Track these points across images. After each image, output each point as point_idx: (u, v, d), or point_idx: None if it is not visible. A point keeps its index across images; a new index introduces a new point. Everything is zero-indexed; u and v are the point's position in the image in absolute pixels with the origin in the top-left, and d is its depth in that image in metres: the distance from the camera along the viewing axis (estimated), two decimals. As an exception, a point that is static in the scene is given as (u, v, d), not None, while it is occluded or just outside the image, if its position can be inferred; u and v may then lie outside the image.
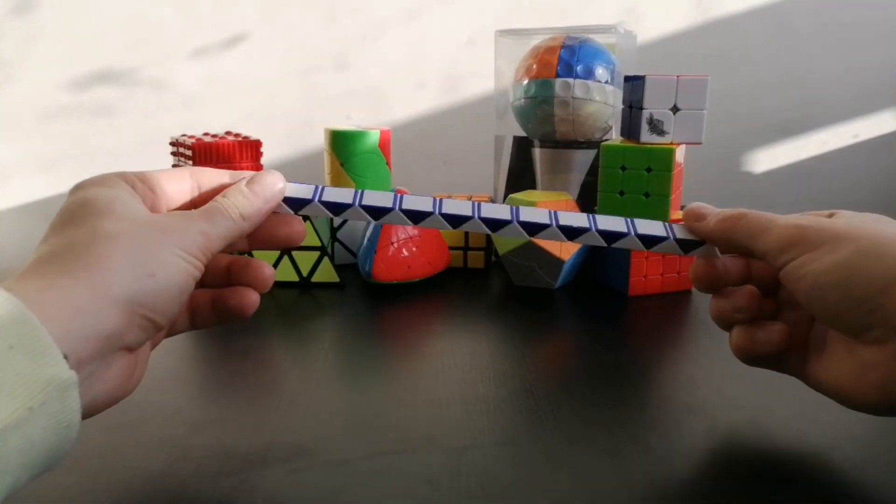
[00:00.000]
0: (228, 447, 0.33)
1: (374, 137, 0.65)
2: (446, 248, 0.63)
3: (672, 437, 0.34)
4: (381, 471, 0.31)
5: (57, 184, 1.01)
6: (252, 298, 0.33)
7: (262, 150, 0.70)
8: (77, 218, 0.27)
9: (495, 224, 0.34)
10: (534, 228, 0.34)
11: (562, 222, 0.35)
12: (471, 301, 0.58)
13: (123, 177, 0.30)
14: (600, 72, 0.64)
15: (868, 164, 1.08)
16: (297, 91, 1.01)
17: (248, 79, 1.01)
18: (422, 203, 0.34)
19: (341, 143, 0.65)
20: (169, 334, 0.33)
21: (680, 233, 0.36)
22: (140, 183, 0.30)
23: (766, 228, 0.31)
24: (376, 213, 0.33)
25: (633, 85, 0.57)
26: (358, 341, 0.49)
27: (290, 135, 1.02)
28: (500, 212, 0.34)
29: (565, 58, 0.63)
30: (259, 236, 0.33)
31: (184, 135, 0.71)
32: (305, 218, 0.34)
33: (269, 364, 0.44)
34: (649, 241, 0.35)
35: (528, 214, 0.35)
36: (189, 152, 0.66)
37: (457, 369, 0.43)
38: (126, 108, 1.00)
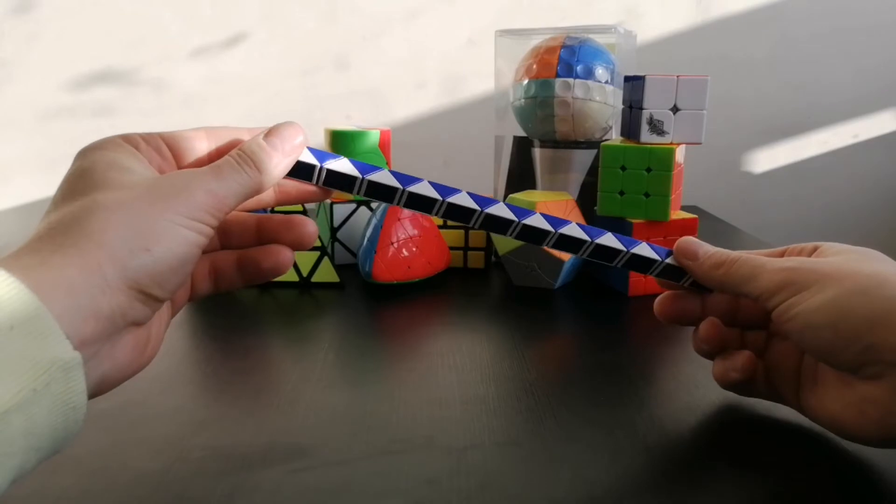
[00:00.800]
0: (228, 447, 0.33)
1: (374, 137, 0.65)
2: (446, 248, 0.63)
3: (672, 437, 0.34)
4: (381, 471, 0.31)
5: (57, 184, 1.01)
6: (287, 256, 0.31)
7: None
8: (75, 191, 0.26)
9: (499, 224, 0.34)
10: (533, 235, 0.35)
11: (562, 231, 0.35)
12: (471, 301, 0.58)
13: (127, 138, 0.28)
14: (600, 72, 0.64)
15: (868, 164, 1.08)
16: (297, 91, 1.01)
17: (248, 79, 1.01)
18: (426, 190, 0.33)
19: (341, 143, 0.65)
20: (191, 299, 0.32)
21: (671, 259, 0.37)
22: (145, 143, 0.28)
23: (756, 274, 0.32)
24: (387, 192, 0.32)
25: (633, 85, 0.57)
26: (358, 341, 0.49)
27: (290, 135, 1.02)
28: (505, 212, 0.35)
29: (565, 58, 0.63)
30: (266, 236, 0.32)
31: (184, 135, 0.71)
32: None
33: (269, 364, 0.44)
34: (644, 263, 0.37)
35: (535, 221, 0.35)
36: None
37: (457, 369, 0.43)
38: (126, 108, 1.00)
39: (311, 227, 0.32)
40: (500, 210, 0.34)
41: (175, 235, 0.25)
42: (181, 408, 0.38)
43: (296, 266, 0.60)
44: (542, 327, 0.52)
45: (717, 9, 1.02)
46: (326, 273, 0.60)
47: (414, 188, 0.32)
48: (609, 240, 0.36)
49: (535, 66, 0.65)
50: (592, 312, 0.55)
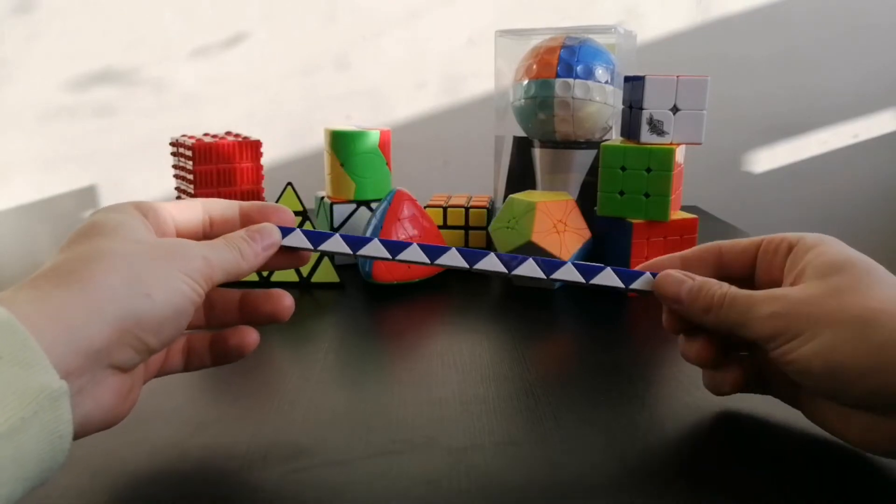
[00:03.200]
0: (228, 447, 0.33)
1: (374, 137, 0.65)
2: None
3: (672, 438, 0.34)
4: (380, 471, 0.31)
5: (57, 184, 1.01)
6: (252, 338, 0.34)
7: (262, 150, 0.70)
8: (82, 237, 0.28)
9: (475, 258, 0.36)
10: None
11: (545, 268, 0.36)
12: (471, 301, 0.58)
13: (138, 206, 0.30)
14: (600, 72, 0.64)
15: (868, 164, 1.08)
16: (298, 91, 1.01)
17: (248, 79, 1.01)
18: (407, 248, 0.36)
19: (341, 143, 0.65)
20: (159, 374, 0.33)
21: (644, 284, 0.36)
22: (153, 212, 0.31)
23: (747, 321, 0.31)
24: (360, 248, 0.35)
25: (633, 85, 0.57)
26: (358, 341, 0.49)
27: (290, 135, 1.02)
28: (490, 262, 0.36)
29: (565, 58, 0.63)
30: (247, 310, 0.34)
31: (184, 135, 0.71)
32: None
33: (269, 364, 0.44)
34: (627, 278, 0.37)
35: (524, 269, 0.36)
36: (189, 152, 0.66)
37: (457, 369, 0.43)
38: (126, 108, 1.00)
39: (286, 301, 0.34)
40: (453, 258, 0.36)
41: (175, 287, 0.27)
42: (181, 408, 0.38)
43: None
44: (542, 327, 0.52)
45: (717, 9, 1.02)
46: (326, 273, 0.60)
47: (403, 255, 0.36)
48: (569, 273, 0.36)
49: (535, 67, 0.65)
50: (592, 312, 0.55)
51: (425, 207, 0.65)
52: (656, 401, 0.39)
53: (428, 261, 0.35)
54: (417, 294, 0.58)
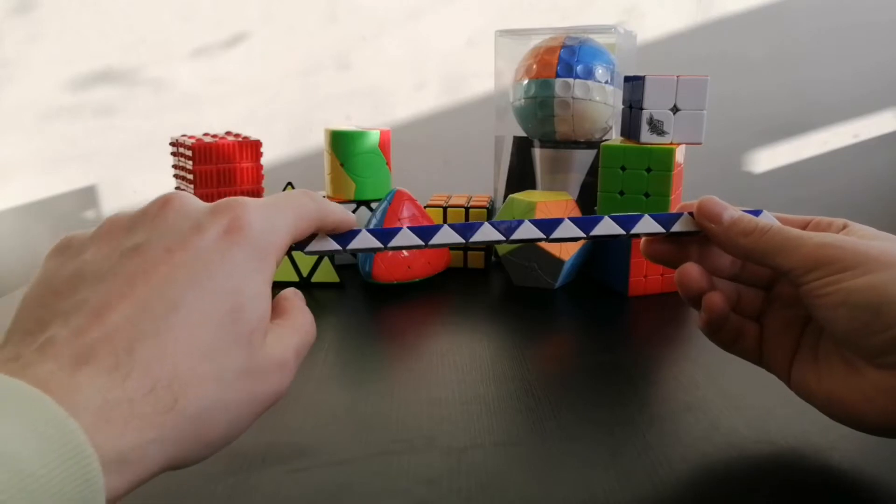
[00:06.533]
0: (228, 447, 0.33)
1: (374, 137, 0.65)
2: (446, 249, 0.63)
3: (672, 437, 0.34)
4: (381, 471, 0.31)
5: (57, 184, 1.01)
6: None
7: (262, 150, 0.70)
8: None
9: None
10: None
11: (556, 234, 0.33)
12: (471, 301, 0.58)
13: None
14: (600, 72, 0.64)
15: (868, 164, 1.08)
16: (298, 91, 1.01)
17: (248, 79, 1.01)
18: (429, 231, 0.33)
19: (341, 143, 0.65)
20: None
21: (672, 224, 0.33)
22: None
23: (792, 247, 0.30)
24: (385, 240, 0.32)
25: (633, 85, 0.57)
26: (358, 341, 0.49)
27: (291, 135, 1.02)
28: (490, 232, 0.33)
29: (565, 58, 0.63)
30: None
31: (184, 135, 0.71)
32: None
33: (269, 364, 0.44)
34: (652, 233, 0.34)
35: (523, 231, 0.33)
36: (189, 152, 0.66)
37: (457, 369, 0.43)
38: (126, 108, 1.00)
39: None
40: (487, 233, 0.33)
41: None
42: (181, 408, 0.38)
43: (296, 266, 0.60)
44: (542, 327, 0.52)
45: (717, 9, 1.02)
46: (326, 273, 0.60)
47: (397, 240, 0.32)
48: (608, 226, 0.33)
49: (534, 67, 0.65)
50: (592, 312, 0.55)
51: (425, 207, 0.65)
52: (656, 401, 0.39)
53: (421, 242, 0.32)
54: (417, 294, 0.58)
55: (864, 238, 0.31)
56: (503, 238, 0.33)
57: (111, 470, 0.19)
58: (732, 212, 0.32)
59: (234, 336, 0.23)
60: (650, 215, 0.33)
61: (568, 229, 0.33)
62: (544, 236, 0.33)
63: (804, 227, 0.34)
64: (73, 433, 0.18)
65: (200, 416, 0.22)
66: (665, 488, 0.30)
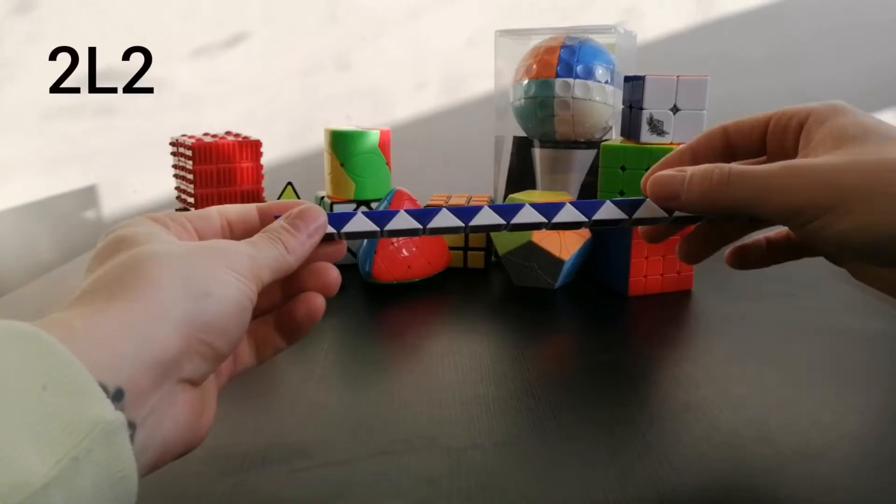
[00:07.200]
0: (228, 447, 0.33)
1: (374, 137, 0.65)
2: (446, 248, 0.63)
3: (672, 437, 0.34)
4: (381, 471, 0.31)
5: (57, 184, 1.01)
6: (319, 302, 0.31)
7: (262, 150, 0.70)
8: (116, 251, 0.24)
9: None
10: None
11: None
12: (471, 301, 0.58)
13: (154, 218, 0.28)
14: (600, 72, 0.64)
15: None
16: (298, 91, 1.01)
17: (248, 79, 1.01)
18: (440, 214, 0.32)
19: (341, 143, 0.65)
20: (231, 378, 0.30)
21: (638, 210, 0.32)
22: (171, 221, 0.28)
23: (762, 199, 0.27)
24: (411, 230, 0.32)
25: (633, 85, 0.57)
26: (358, 341, 0.49)
27: (290, 135, 1.02)
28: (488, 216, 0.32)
29: (565, 58, 0.63)
30: (291, 288, 0.31)
31: (184, 135, 0.71)
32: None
33: (269, 364, 0.44)
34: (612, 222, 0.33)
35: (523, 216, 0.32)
36: (189, 152, 0.66)
37: (457, 369, 0.43)
38: (126, 108, 1.00)
39: (333, 274, 0.31)
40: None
41: (230, 282, 0.25)
42: (181, 408, 0.38)
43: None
44: (542, 327, 0.52)
45: (717, 9, 1.02)
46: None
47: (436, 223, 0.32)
48: (610, 211, 0.32)
49: (534, 67, 0.65)
50: (592, 313, 0.55)
51: (425, 207, 0.65)
52: (656, 401, 0.39)
53: (419, 226, 0.31)
54: (417, 294, 0.58)
55: (836, 142, 0.28)
56: (503, 222, 0.32)
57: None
58: (685, 179, 0.30)
59: None
60: (652, 199, 0.32)
61: (569, 213, 0.32)
62: (545, 220, 0.32)
63: (764, 127, 0.32)
64: (38, 335, 0.19)
65: None
66: (665, 488, 0.30)
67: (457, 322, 0.53)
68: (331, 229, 0.31)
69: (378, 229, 0.31)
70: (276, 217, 0.30)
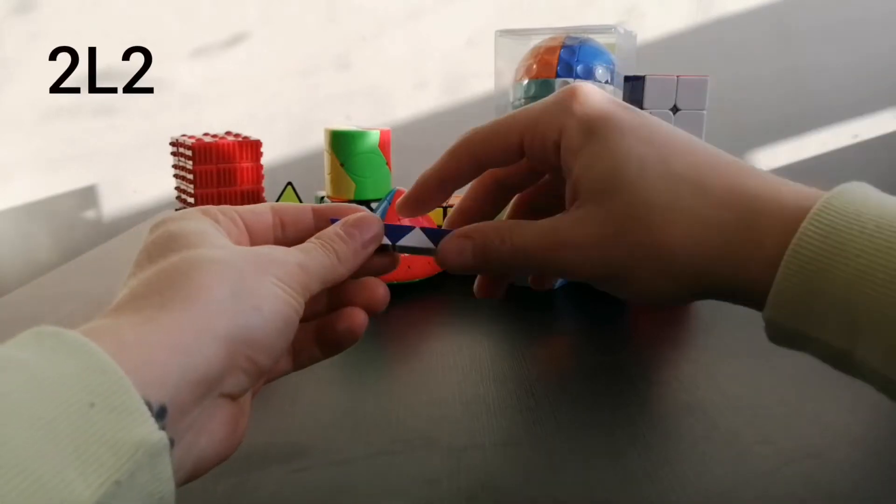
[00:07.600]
0: (228, 447, 0.33)
1: (374, 137, 0.65)
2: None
3: (672, 438, 0.34)
4: (381, 471, 0.31)
5: (57, 184, 1.01)
6: (361, 319, 0.30)
7: (262, 150, 0.70)
8: (168, 250, 0.24)
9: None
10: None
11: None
12: (471, 301, 0.57)
13: (205, 211, 0.27)
14: (600, 72, 0.64)
15: (868, 164, 1.08)
16: (298, 91, 1.01)
17: (248, 79, 1.01)
18: None
19: (341, 143, 0.65)
20: (269, 379, 0.29)
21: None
22: (222, 216, 0.27)
23: (558, 270, 0.28)
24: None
25: (633, 85, 0.57)
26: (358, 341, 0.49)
27: (290, 135, 1.02)
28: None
29: (565, 58, 0.63)
30: (337, 301, 0.30)
31: (184, 135, 0.71)
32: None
33: (269, 364, 0.44)
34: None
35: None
36: (189, 152, 0.66)
37: (457, 369, 0.43)
38: (126, 108, 1.00)
39: (381, 290, 0.30)
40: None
41: (279, 295, 0.24)
42: (181, 408, 0.38)
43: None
44: (542, 327, 0.52)
45: (717, 8, 1.02)
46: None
47: None
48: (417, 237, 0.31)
49: (535, 67, 0.65)
50: (592, 313, 0.55)
51: (425, 207, 0.65)
52: (656, 401, 0.39)
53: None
54: (417, 294, 0.58)
55: (590, 197, 0.26)
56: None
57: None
58: (471, 250, 0.30)
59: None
60: (422, 230, 0.30)
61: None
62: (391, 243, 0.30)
63: (520, 150, 0.29)
64: (83, 343, 0.19)
65: None
66: (665, 488, 0.30)
67: (457, 322, 0.53)
68: (386, 241, 0.30)
69: (434, 247, 0.30)
70: (332, 220, 0.29)
